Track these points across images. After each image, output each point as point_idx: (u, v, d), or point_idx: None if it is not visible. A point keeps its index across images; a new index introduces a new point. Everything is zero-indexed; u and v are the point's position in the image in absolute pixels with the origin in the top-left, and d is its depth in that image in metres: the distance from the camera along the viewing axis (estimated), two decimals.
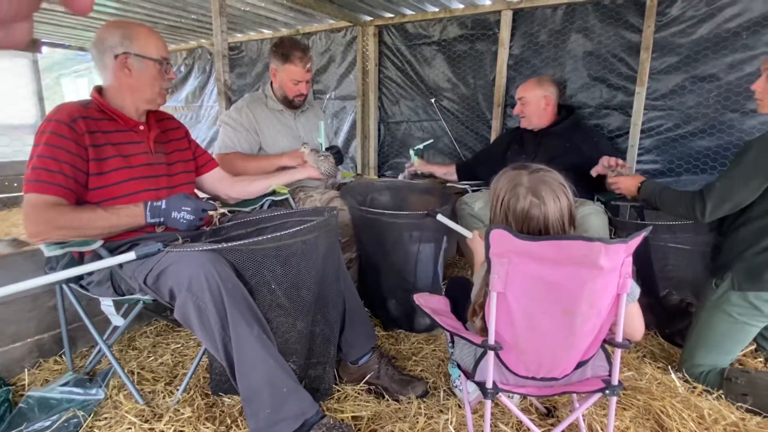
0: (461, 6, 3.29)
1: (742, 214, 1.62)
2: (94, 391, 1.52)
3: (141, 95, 1.52)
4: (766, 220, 1.56)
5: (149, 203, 1.46)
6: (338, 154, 2.23)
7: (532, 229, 1.12)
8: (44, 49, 5.18)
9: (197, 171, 1.81)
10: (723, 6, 2.52)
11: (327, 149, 2.21)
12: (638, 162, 2.85)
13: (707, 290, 1.69)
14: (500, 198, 1.15)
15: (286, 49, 2.21)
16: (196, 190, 1.82)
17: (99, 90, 1.53)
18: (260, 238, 1.24)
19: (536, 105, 2.46)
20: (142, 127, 1.56)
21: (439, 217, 1.90)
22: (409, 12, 3.50)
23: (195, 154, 1.80)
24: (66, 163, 1.36)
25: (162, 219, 1.46)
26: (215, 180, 1.87)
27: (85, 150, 1.40)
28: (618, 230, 2.12)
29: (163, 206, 1.46)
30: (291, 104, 2.32)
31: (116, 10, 3.57)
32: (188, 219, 1.45)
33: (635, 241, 1.03)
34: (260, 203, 2.02)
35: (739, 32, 2.50)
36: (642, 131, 2.82)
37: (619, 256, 1.02)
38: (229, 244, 1.23)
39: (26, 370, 1.70)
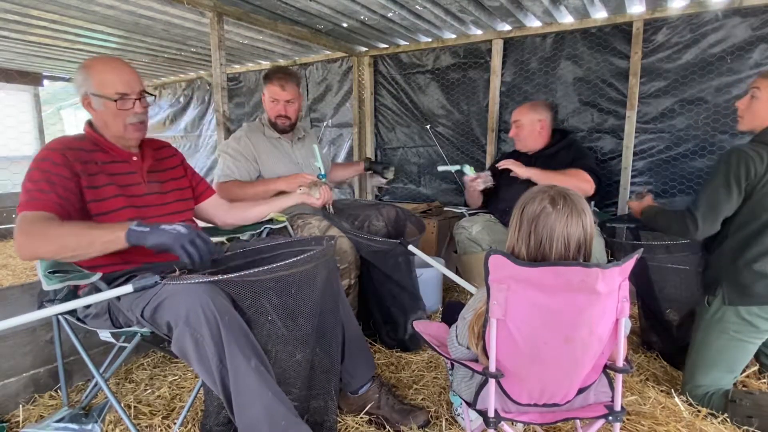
0: (453, 36, 3.38)
1: (722, 228, 1.64)
2: (89, 426, 1.49)
3: (110, 132, 1.53)
4: (746, 231, 1.59)
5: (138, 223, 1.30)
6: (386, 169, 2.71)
7: (537, 238, 1.08)
8: (45, 82, 5.27)
9: (195, 199, 1.81)
10: (707, 32, 2.60)
11: (376, 163, 2.57)
12: (632, 183, 2.89)
13: (701, 309, 1.70)
14: (523, 202, 1.14)
15: (270, 72, 2.34)
16: (193, 218, 1.82)
17: (90, 123, 1.55)
18: (257, 270, 1.23)
19: (531, 128, 2.50)
20: (135, 158, 1.58)
21: (411, 248, 1.94)
22: (403, 42, 3.59)
23: (192, 182, 1.80)
24: (59, 186, 1.36)
25: (149, 228, 1.27)
26: (211, 207, 1.87)
27: (77, 176, 1.41)
28: (615, 251, 2.13)
29: (164, 226, 1.28)
30: (276, 127, 2.36)
31: (117, 44, 3.66)
32: (180, 232, 1.25)
33: (629, 263, 1.04)
34: (258, 231, 2.02)
35: (723, 57, 2.58)
36: (634, 154, 2.86)
37: (615, 280, 1.02)
38: (227, 276, 1.22)
39: (21, 406, 1.67)
